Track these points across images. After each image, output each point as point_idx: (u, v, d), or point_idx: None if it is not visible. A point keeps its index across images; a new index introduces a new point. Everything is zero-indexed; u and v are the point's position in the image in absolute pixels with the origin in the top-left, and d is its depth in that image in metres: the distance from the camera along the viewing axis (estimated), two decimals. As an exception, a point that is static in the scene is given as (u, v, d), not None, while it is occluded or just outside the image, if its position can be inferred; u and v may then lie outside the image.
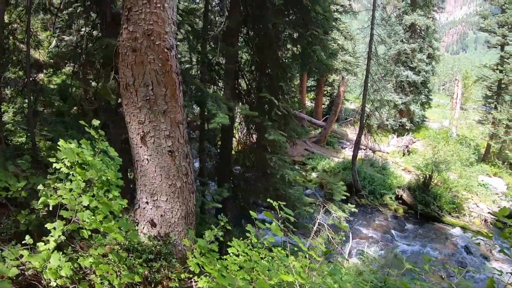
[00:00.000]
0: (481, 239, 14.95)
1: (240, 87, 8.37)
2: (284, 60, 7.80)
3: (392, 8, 27.38)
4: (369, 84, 17.61)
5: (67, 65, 14.12)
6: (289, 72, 7.78)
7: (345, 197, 8.05)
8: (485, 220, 17.23)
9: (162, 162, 3.79)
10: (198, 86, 5.88)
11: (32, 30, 11.23)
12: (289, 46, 8.22)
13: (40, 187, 2.72)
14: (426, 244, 14.67)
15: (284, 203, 3.59)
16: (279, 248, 3.79)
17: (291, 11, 7.43)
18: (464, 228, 16.43)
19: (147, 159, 3.78)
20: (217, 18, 8.49)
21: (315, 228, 6.31)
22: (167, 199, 3.86)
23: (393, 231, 15.35)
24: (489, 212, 17.66)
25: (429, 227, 16.19)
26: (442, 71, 54.93)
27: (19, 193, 3.15)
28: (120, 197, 2.73)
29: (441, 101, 46.02)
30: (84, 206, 2.49)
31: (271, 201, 3.38)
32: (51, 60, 15.05)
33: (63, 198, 2.49)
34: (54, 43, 15.73)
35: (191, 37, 6.86)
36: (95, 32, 10.31)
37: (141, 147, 3.76)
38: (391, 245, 14.10)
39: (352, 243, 11.22)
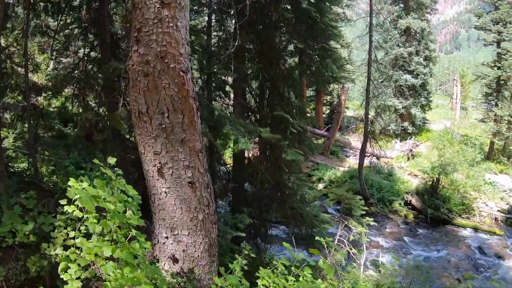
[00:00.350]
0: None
1: (249, 105, 8.06)
2: (294, 75, 7.54)
3: (386, 13, 27.46)
4: (371, 91, 17.50)
5: (66, 88, 13.96)
6: (300, 87, 7.52)
7: (364, 212, 7.81)
8: (496, 219, 17.08)
9: (182, 194, 3.51)
10: (213, 109, 5.61)
11: (29, 53, 11.08)
12: (296, 60, 7.96)
13: (58, 251, 2.44)
14: (440, 248, 14.49)
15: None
16: (307, 273, 3.53)
17: (299, 25, 7.16)
18: (475, 229, 16.31)
19: (166, 192, 3.50)
20: (219, 34, 8.26)
21: (334, 244, 6.03)
22: (189, 233, 3.59)
23: (405, 238, 15.12)
24: (498, 210, 17.56)
25: (440, 231, 16.03)
26: (438, 71, 55.07)
27: (27, 238, 2.87)
28: (143, 240, 2.49)
29: (439, 101, 45.91)
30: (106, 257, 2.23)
31: (321, 240, 3.19)
32: (50, 83, 14.89)
33: (80, 250, 2.23)
34: (52, 65, 15.61)
35: (201, 57, 6.61)
36: (93, 54, 10.15)
37: (158, 179, 3.49)
38: (404, 252, 13.86)
39: (365, 253, 10.94)
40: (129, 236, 2.39)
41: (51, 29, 10.40)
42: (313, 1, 6.74)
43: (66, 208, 2.42)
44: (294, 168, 6.96)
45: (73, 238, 2.47)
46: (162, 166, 3.43)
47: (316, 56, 7.39)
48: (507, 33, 23.15)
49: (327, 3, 6.83)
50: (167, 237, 3.61)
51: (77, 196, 2.24)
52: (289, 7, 7.08)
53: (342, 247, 6.37)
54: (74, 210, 2.38)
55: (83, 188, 2.30)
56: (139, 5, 3.11)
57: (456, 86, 29.17)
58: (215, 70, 6.77)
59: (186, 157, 3.47)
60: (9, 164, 9.72)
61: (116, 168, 2.67)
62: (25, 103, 9.44)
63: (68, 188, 2.40)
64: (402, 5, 27.53)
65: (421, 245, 14.71)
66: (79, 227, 2.44)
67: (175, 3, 3.12)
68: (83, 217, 2.38)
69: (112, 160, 2.62)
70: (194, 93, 3.47)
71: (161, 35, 3.14)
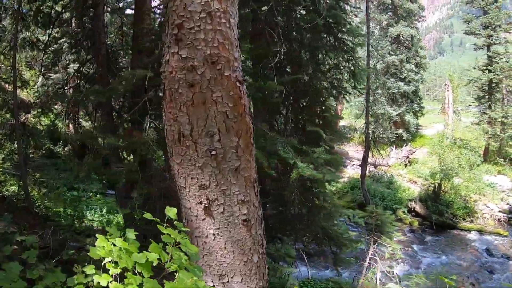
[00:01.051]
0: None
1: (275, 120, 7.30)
2: (321, 87, 6.97)
3: (376, 22, 27.58)
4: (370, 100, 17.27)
5: (55, 104, 13.35)
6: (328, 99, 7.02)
7: (397, 228, 7.38)
8: (499, 220, 17.08)
9: (235, 235, 2.84)
10: (262, 129, 4.93)
11: (17, 68, 10.45)
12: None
13: None
14: (449, 253, 14.39)
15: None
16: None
17: (327, 35, 6.65)
18: (480, 231, 16.34)
19: (214, 234, 2.82)
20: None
21: (366, 263, 5.56)
22: (242, 279, 2.94)
23: (413, 246, 14.91)
24: (500, 211, 17.59)
25: (447, 236, 15.98)
26: (426, 77, 55.83)
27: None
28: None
29: (428, 106, 46.28)
30: None
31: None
32: (38, 100, 14.23)
33: None
34: (40, 81, 14.97)
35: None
36: (85, 69, 9.54)
37: (204, 219, 2.81)
38: (415, 260, 13.61)
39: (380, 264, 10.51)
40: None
41: (41, 41, 9.83)
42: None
43: (96, 279, 1.65)
44: (325, 187, 6.30)
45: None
46: (210, 203, 2.73)
47: (345, 67, 6.89)
48: (497, 37, 23.41)
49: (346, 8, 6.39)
50: (214, 286, 2.96)
51: (108, 258, 1.54)
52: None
53: (374, 266, 5.91)
54: (110, 281, 1.62)
55: (121, 249, 1.62)
56: None
57: (448, 91, 29.29)
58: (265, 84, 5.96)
59: (240, 190, 2.77)
60: (-3, 188, 9.03)
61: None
62: (14, 121, 8.80)
63: (93, 248, 1.68)
64: (391, 14, 27.68)
65: (430, 251, 14.51)
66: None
67: None
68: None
69: (172, 212, 1.97)
70: (250, 110, 2.82)
71: (212, 33, 2.44)
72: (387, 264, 7.85)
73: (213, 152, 2.63)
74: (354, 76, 6.74)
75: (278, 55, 5.37)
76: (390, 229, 6.65)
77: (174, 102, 2.60)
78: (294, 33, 6.04)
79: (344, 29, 6.43)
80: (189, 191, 2.77)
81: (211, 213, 2.77)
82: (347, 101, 19.02)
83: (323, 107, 6.79)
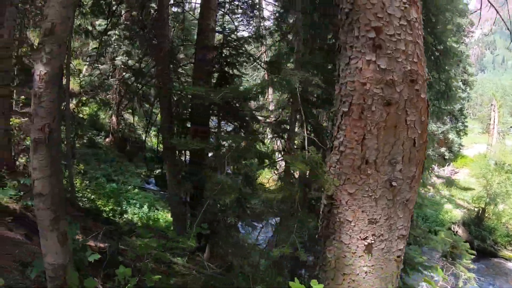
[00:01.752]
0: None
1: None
2: None
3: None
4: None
5: (102, 95, 13.38)
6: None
7: (473, 256, 6.84)
8: (539, 251, 16.41)
9: (385, 271, 2.43)
10: None
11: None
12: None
13: None
14: (490, 281, 14.04)
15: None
16: None
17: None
18: None
19: (366, 272, 2.39)
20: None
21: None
22: None
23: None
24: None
25: (487, 263, 15.47)
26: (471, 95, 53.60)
27: None
28: None
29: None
30: None
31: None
32: (81, 90, 14.34)
33: None
34: (85, 71, 15.08)
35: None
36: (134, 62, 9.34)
37: (361, 256, 2.37)
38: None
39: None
40: None
41: (97, 30, 9.71)
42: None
43: None
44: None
45: None
46: (375, 239, 2.32)
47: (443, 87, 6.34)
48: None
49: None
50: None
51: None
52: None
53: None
54: None
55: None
56: None
57: (494, 111, 27.92)
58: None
59: (404, 224, 2.39)
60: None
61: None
62: (64, 109, 8.67)
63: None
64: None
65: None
66: None
67: (420, 5, 2.17)
68: None
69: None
70: None
71: (412, 46, 2.09)
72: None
73: (394, 183, 2.24)
74: (447, 97, 6.16)
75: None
76: (467, 258, 6.10)
77: (364, 121, 2.20)
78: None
79: (442, 47, 5.91)
80: (354, 225, 2.35)
81: (371, 249, 2.35)
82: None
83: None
